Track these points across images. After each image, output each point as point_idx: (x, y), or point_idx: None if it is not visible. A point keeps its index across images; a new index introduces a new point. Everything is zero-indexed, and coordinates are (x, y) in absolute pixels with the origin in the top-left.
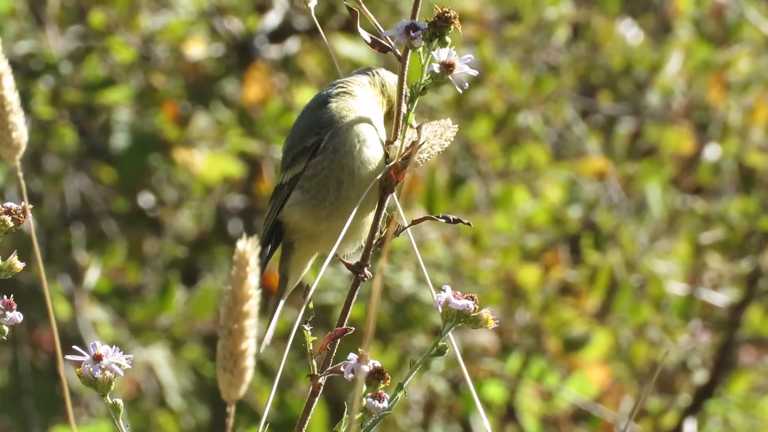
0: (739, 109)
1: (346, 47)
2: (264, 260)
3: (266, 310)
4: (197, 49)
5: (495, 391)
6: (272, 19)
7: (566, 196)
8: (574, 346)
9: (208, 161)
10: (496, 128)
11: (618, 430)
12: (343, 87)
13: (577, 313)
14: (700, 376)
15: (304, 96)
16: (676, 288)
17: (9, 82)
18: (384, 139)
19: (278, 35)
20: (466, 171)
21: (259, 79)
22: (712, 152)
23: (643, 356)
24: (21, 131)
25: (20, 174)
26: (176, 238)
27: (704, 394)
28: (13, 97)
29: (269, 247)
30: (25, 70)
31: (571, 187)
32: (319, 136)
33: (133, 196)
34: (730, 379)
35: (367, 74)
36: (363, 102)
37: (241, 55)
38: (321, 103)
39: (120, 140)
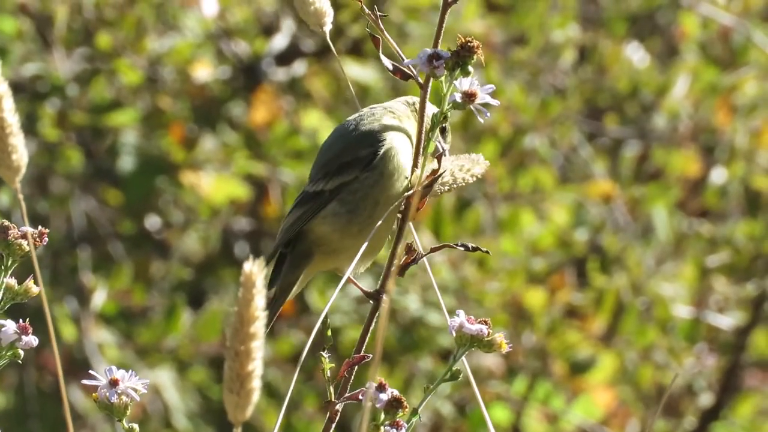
0: (745, 132)
1: (354, 70)
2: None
3: (270, 333)
4: (204, 71)
5: (501, 414)
6: (279, 42)
7: (572, 219)
8: (580, 368)
9: (215, 184)
10: (503, 151)
11: None
12: (388, 109)
13: (583, 336)
14: (706, 399)
15: (311, 119)
16: (682, 311)
17: (9, 104)
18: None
19: (285, 58)
20: (472, 194)
21: (265, 102)
22: (718, 175)
23: (648, 379)
24: (21, 153)
25: (20, 196)
26: (182, 260)
27: (710, 417)
28: (13, 119)
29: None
30: (31, 92)
31: (577, 209)
32: (374, 148)
33: (140, 218)
34: (736, 402)
35: (406, 104)
36: (408, 127)
37: (247, 77)
38: (370, 117)
39: (126, 162)
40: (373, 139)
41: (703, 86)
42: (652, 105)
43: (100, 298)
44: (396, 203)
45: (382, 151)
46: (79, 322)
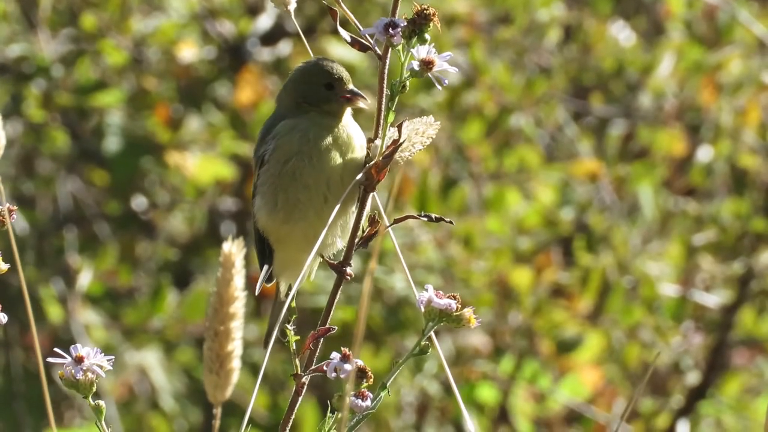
0: (731, 111)
1: (338, 50)
2: (261, 265)
3: (257, 313)
4: (189, 51)
5: (488, 393)
6: (264, 22)
7: (558, 198)
8: (566, 347)
9: (200, 164)
10: (488, 130)
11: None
12: (280, 95)
13: (570, 315)
14: (693, 378)
15: None
16: (669, 289)
17: None
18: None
19: (270, 38)
20: (458, 173)
21: (251, 82)
22: (704, 154)
23: (635, 358)
24: None
25: None
26: (168, 240)
27: (697, 395)
28: None
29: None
30: (16, 73)
31: (563, 188)
32: (266, 146)
33: (126, 199)
34: (723, 381)
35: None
36: (295, 110)
37: (233, 57)
38: (271, 116)
39: (112, 143)
40: (265, 136)
41: (689, 65)
42: (637, 84)
43: (86, 278)
44: (355, 180)
45: (270, 147)
46: (66, 303)
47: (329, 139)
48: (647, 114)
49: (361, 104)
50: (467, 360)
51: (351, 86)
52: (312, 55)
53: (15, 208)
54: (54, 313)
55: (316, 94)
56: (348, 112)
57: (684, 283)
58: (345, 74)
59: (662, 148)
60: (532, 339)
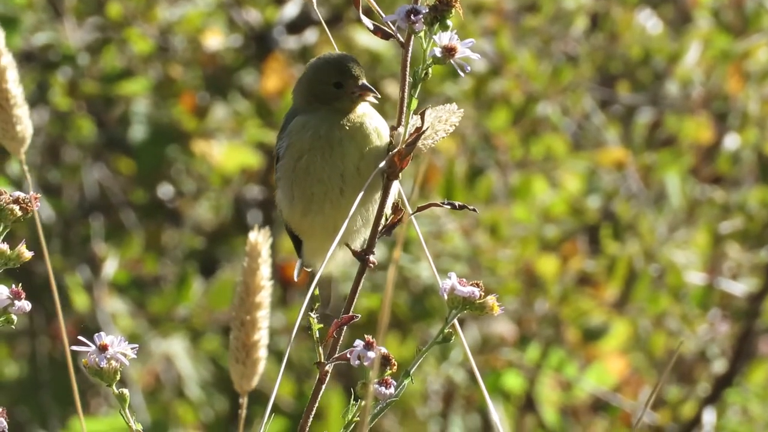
0: (757, 99)
1: (364, 38)
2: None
3: (283, 302)
4: (215, 39)
5: (514, 381)
6: (290, 10)
7: (585, 186)
8: (592, 336)
9: (226, 152)
10: (515, 119)
11: (636, 420)
12: (294, 90)
13: (596, 303)
14: (719, 366)
15: None
16: (695, 278)
17: (13, 75)
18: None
19: (296, 26)
20: (484, 161)
21: (277, 70)
22: (730, 142)
23: (661, 346)
24: (26, 124)
25: (25, 167)
26: (194, 229)
27: (723, 383)
28: (17, 91)
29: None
30: (43, 62)
31: (589, 177)
32: (281, 142)
33: (152, 187)
34: (749, 369)
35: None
36: (307, 106)
37: (259, 45)
38: (290, 110)
39: (138, 131)
40: (281, 134)
41: (716, 53)
42: (664, 72)
43: (112, 267)
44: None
45: (285, 144)
46: (92, 292)
47: (342, 134)
48: (674, 102)
49: (371, 99)
50: (493, 348)
51: (363, 81)
52: (335, 45)
53: (39, 196)
54: (80, 301)
55: (326, 93)
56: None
57: (711, 271)
58: (356, 70)
59: (689, 137)
60: (558, 327)
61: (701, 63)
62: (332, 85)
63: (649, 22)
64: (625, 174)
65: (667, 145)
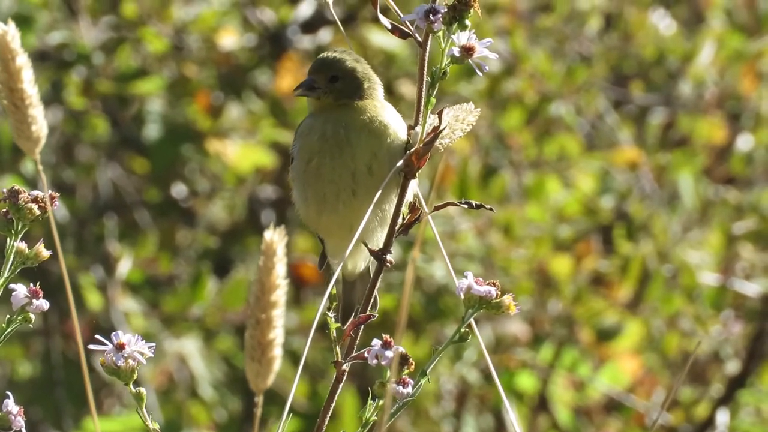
0: None
1: (379, 37)
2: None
3: (296, 301)
4: (230, 39)
5: (527, 381)
6: (304, 10)
7: (598, 186)
8: (606, 336)
9: (241, 152)
10: (529, 118)
11: (650, 420)
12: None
13: (609, 304)
14: (733, 367)
15: None
16: (709, 278)
17: (29, 75)
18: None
19: (311, 25)
20: (498, 161)
21: (291, 70)
22: (744, 142)
23: (675, 346)
24: (40, 124)
25: (40, 167)
26: (208, 228)
27: (737, 384)
28: (32, 91)
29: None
30: (57, 61)
31: (603, 177)
32: (294, 144)
33: (166, 186)
34: (763, 370)
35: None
36: (318, 109)
37: (273, 45)
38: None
39: (152, 130)
40: (295, 135)
41: (729, 53)
42: (677, 72)
43: (125, 266)
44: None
45: (298, 145)
46: (106, 291)
47: (350, 134)
48: (687, 102)
49: (300, 92)
50: (507, 348)
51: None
52: (349, 44)
53: (57, 195)
54: (94, 300)
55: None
56: (381, 98)
57: (724, 271)
58: (312, 67)
59: (702, 137)
60: (572, 327)
61: (715, 63)
62: (328, 81)
63: (663, 22)
64: (638, 174)
65: (680, 146)
